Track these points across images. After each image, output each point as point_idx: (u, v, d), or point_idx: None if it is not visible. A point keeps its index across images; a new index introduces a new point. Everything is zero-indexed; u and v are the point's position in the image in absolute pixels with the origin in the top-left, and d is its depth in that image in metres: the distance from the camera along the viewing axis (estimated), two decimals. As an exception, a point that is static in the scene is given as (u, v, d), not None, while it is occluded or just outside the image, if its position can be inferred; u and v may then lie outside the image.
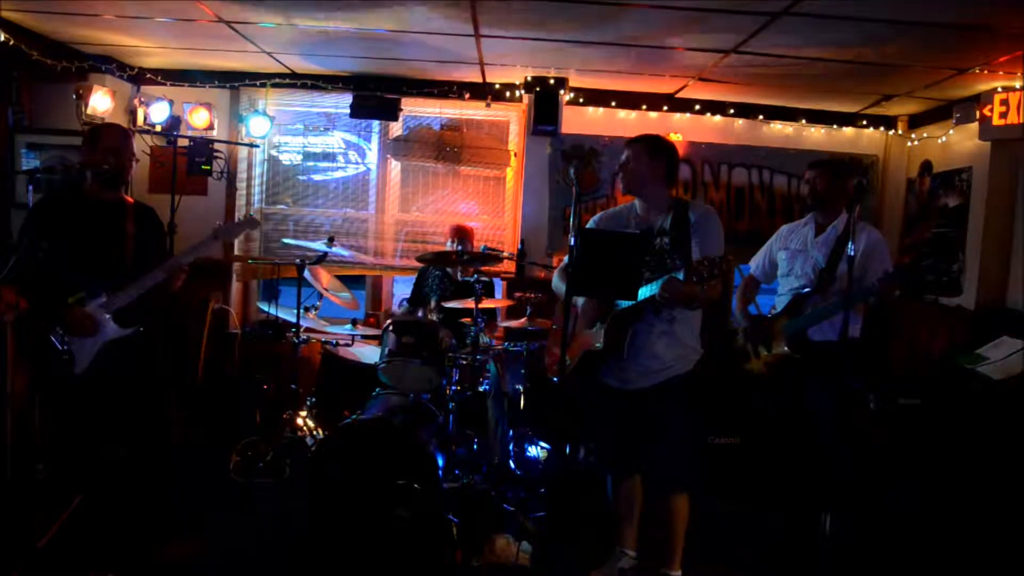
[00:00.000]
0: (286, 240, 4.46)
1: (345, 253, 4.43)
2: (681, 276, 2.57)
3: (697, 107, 5.28)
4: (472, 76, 5.08)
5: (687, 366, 2.98)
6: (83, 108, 4.70)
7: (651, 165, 2.98)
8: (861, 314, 3.48)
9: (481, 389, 4.13)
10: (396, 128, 5.45)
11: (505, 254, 4.19)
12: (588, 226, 3.13)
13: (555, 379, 3.24)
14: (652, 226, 2.99)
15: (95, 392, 3.09)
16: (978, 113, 4.33)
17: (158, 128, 5.08)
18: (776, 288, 3.80)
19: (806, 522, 3.43)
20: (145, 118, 5.07)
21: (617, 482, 3.19)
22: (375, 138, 5.51)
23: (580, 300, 3.13)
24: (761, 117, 5.34)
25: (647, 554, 3.18)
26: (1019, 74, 4.07)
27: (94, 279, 3.09)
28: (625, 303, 2.86)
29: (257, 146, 5.37)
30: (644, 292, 2.74)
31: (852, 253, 2.96)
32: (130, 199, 3.38)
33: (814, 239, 3.51)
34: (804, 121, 5.36)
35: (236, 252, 5.36)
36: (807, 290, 3.46)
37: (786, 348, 3.48)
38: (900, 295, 3.46)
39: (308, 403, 4.26)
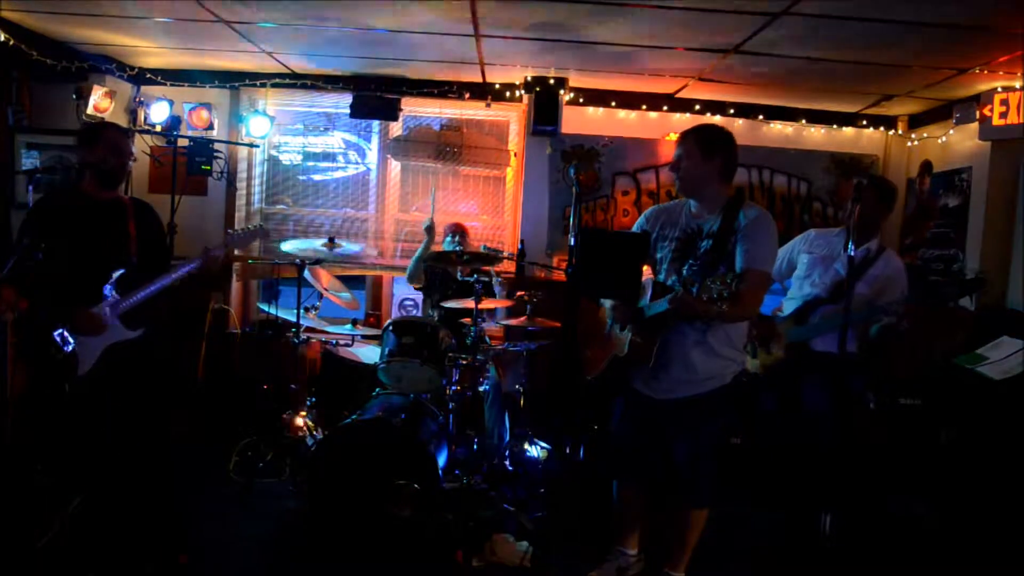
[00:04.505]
0: (284, 248, 4.43)
1: (356, 248, 4.42)
2: (695, 291, 2.42)
3: (697, 107, 5.28)
4: (472, 76, 5.08)
5: (724, 379, 2.80)
6: (83, 108, 4.71)
7: (705, 165, 2.76)
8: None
9: (481, 389, 4.14)
10: (396, 128, 5.46)
11: (505, 254, 4.18)
12: (640, 220, 3.04)
13: (589, 378, 3.13)
14: (702, 227, 2.81)
15: (98, 393, 3.09)
16: (978, 113, 4.33)
17: (158, 128, 5.08)
18: (780, 288, 3.79)
19: (806, 522, 3.44)
20: (145, 118, 5.08)
21: (625, 487, 3.13)
22: (375, 138, 5.52)
23: (607, 302, 3.00)
24: (761, 117, 5.34)
25: (652, 552, 3.18)
26: (1019, 74, 4.07)
27: (101, 280, 3.09)
28: (653, 310, 2.71)
29: (257, 146, 5.37)
30: (661, 305, 2.64)
31: (852, 253, 2.96)
32: (127, 198, 3.37)
33: (843, 252, 3.41)
34: (804, 121, 5.37)
35: (236, 252, 5.35)
36: (821, 297, 3.44)
37: (785, 353, 3.48)
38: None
39: (308, 403, 4.26)
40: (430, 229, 4.66)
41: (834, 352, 3.27)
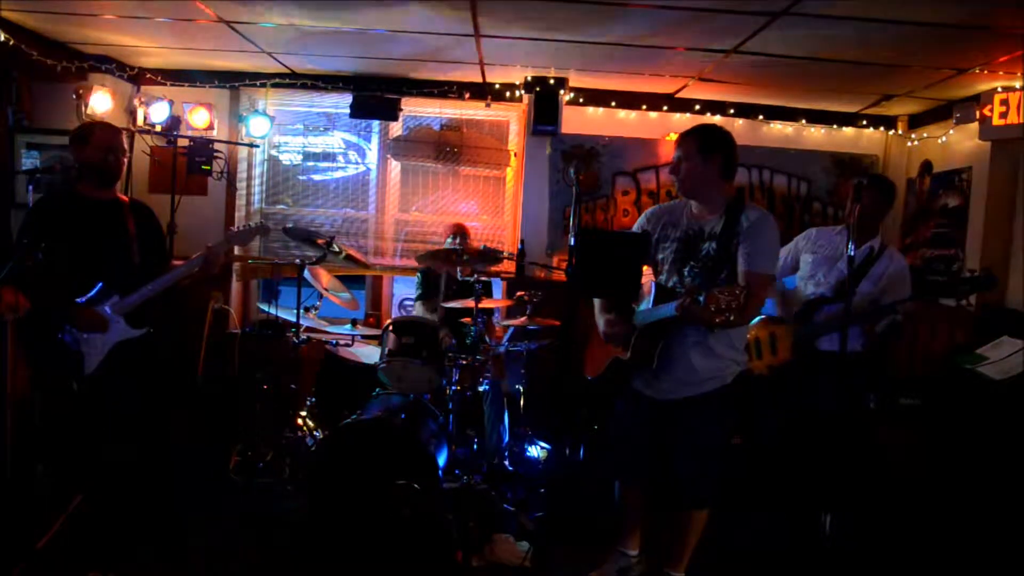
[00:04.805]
0: (289, 227, 4.42)
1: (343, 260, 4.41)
2: (703, 299, 2.39)
3: (697, 107, 5.27)
4: (472, 76, 5.08)
5: (724, 380, 2.80)
6: (83, 108, 4.71)
7: (705, 165, 2.74)
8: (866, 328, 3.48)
9: (481, 389, 4.14)
10: (396, 128, 5.45)
11: (505, 254, 4.18)
12: (640, 220, 3.03)
13: (589, 378, 3.16)
14: (703, 228, 2.81)
15: (103, 392, 3.10)
16: (978, 113, 4.33)
17: (158, 128, 5.08)
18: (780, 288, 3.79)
19: (806, 522, 3.44)
20: (145, 118, 5.07)
21: (626, 488, 3.13)
22: (375, 138, 5.51)
23: (601, 323, 2.98)
24: (761, 117, 5.34)
25: (652, 552, 3.18)
26: (1019, 74, 4.07)
27: (103, 280, 3.09)
28: (658, 315, 2.71)
29: (257, 146, 5.37)
30: (665, 311, 2.64)
31: (852, 253, 2.96)
32: (125, 197, 3.37)
33: (846, 251, 3.43)
34: (804, 121, 5.36)
35: (236, 252, 5.36)
36: (826, 296, 3.44)
37: (792, 353, 3.47)
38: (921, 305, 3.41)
39: (308, 403, 4.26)
40: None
41: (838, 350, 3.28)
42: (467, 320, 4.31)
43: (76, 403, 3.06)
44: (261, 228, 3.62)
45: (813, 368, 3.43)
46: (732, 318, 2.33)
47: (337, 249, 4.11)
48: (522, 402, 4.58)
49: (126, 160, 3.30)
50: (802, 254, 3.66)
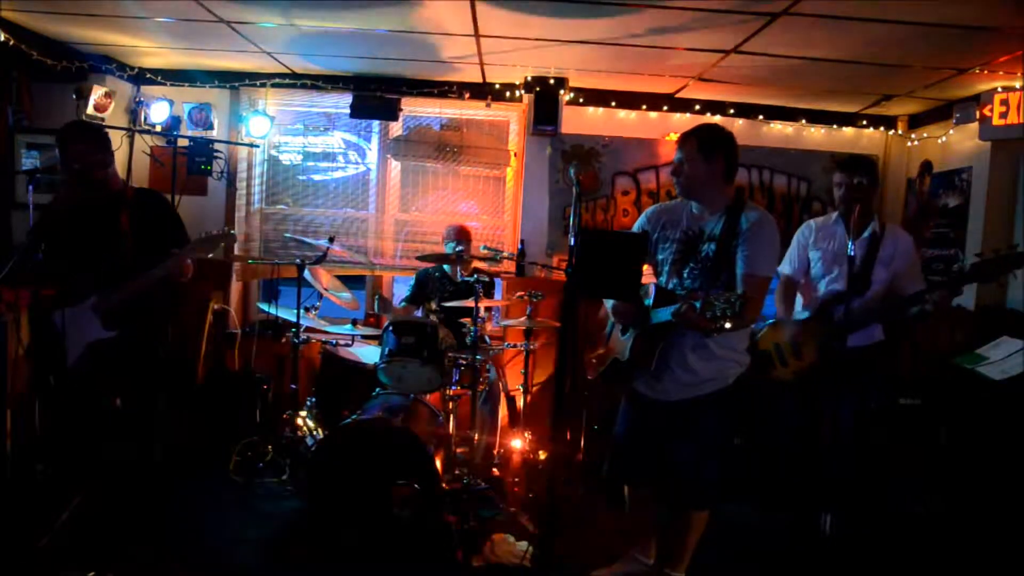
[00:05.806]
0: (288, 235, 4.41)
1: (346, 255, 4.40)
2: (699, 306, 2.37)
3: (697, 107, 5.27)
4: (472, 76, 5.08)
5: (725, 381, 2.79)
6: (83, 108, 4.71)
7: (707, 167, 2.73)
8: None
9: (482, 389, 4.14)
10: (396, 128, 5.45)
11: (505, 254, 4.19)
12: (640, 220, 3.02)
13: (590, 378, 3.15)
14: (703, 229, 2.80)
15: (86, 391, 3.09)
16: (978, 113, 4.33)
17: (158, 128, 5.08)
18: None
19: (806, 522, 3.44)
20: (145, 118, 5.08)
21: (636, 491, 3.12)
22: (375, 138, 5.52)
23: (610, 302, 2.98)
24: (761, 117, 5.34)
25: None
26: (1019, 74, 4.07)
27: (87, 279, 3.10)
28: (656, 319, 2.70)
29: (257, 146, 5.37)
30: (664, 315, 2.62)
31: (852, 253, 2.96)
32: (130, 189, 3.35)
33: (852, 242, 3.24)
34: (804, 121, 5.36)
35: (236, 252, 5.36)
36: (842, 292, 3.42)
37: (818, 355, 3.44)
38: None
39: (308, 403, 4.26)
40: None
41: (862, 345, 3.27)
42: (467, 320, 4.31)
43: (63, 400, 3.06)
44: (225, 236, 3.45)
45: (835, 366, 3.39)
46: (728, 326, 2.32)
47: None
48: (522, 402, 4.58)
49: (95, 160, 3.18)
50: (810, 251, 3.63)
